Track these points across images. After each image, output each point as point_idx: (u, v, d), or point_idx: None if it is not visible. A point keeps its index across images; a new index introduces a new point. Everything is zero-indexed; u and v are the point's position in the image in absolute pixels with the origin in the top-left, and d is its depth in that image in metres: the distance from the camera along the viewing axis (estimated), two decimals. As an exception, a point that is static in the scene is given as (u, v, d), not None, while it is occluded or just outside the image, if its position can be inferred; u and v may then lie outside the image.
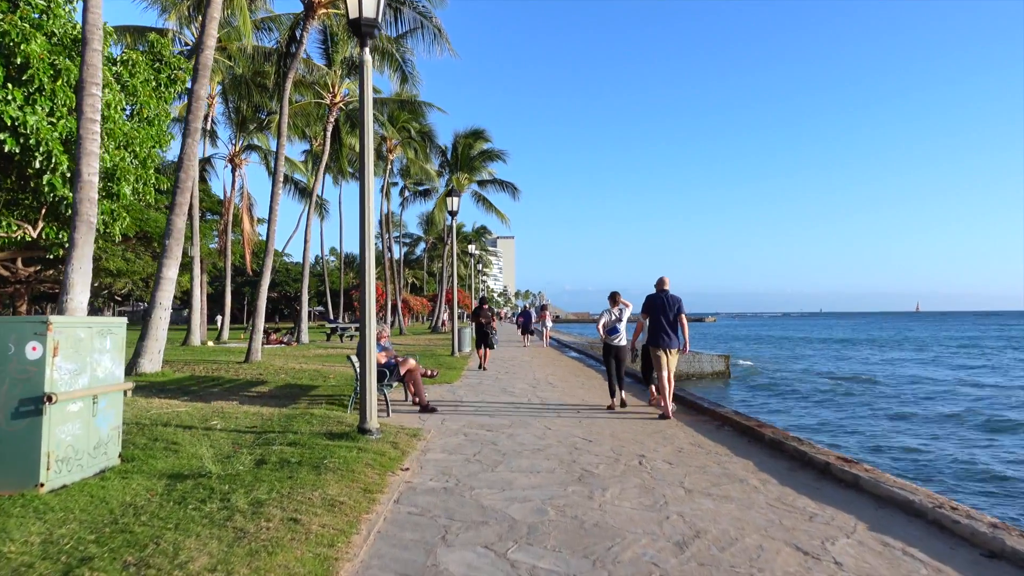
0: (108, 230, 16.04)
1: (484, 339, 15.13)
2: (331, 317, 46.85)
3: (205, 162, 29.94)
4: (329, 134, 25.02)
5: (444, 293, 46.41)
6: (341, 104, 25.66)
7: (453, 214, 19.21)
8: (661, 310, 8.27)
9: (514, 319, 64.25)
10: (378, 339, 9.25)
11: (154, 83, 14.08)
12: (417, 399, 8.77)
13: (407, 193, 46.68)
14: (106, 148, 13.06)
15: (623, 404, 8.92)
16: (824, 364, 32.43)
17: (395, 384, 8.59)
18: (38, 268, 36.51)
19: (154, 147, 14.27)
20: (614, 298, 9.05)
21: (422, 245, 72.81)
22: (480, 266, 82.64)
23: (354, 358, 8.02)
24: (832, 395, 19.58)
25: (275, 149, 15.23)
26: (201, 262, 31.30)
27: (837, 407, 17.19)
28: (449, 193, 19.24)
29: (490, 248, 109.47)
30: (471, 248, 41.81)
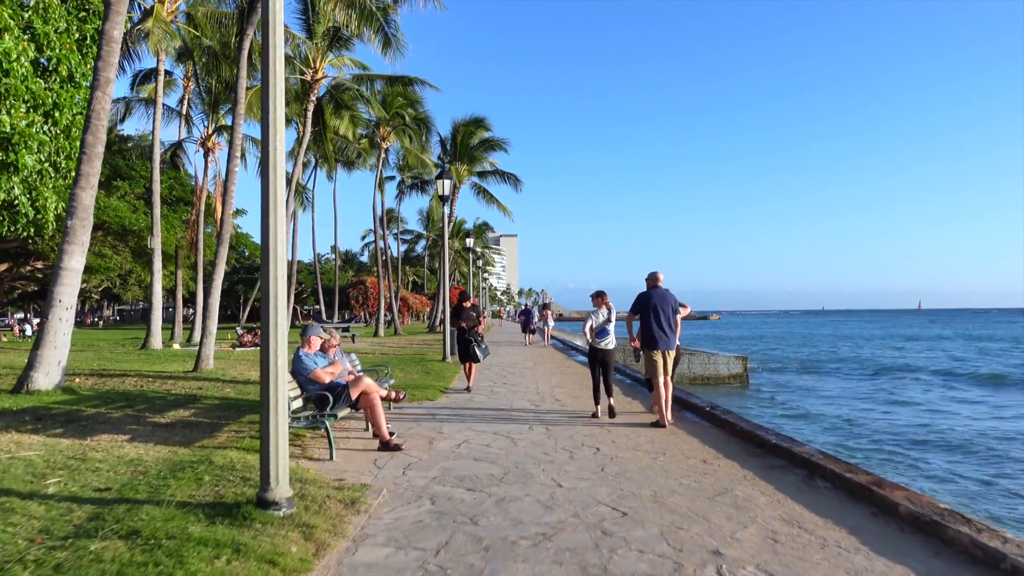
0: (40, 216, 13.66)
1: (466, 349, 10.73)
2: (323, 317, 44.64)
3: (176, 147, 27.55)
4: (311, 115, 22.62)
5: (442, 291, 44.10)
6: (324, 81, 23.29)
7: (444, 199, 16.79)
8: (658, 308, 7.50)
9: (516, 318, 62.45)
10: (325, 348, 6.85)
11: (78, 35, 11.64)
12: (376, 431, 6.37)
13: (404, 187, 44.26)
14: (7, 108, 10.68)
15: (611, 415, 7.99)
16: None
17: (342, 413, 6.16)
18: (9, 265, 34.20)
19: (80, 114, 11.88)
20: (600, 298, 8.19)
21: (423, 243, 70.52)
22: (483, 263, 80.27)
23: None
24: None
25: (232, 120, 12.81)
26: (176, 256, 28.97)
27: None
28: (440, 175, 16.80)
29: (493, 246, 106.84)
30: (469, 242, 39.36)
